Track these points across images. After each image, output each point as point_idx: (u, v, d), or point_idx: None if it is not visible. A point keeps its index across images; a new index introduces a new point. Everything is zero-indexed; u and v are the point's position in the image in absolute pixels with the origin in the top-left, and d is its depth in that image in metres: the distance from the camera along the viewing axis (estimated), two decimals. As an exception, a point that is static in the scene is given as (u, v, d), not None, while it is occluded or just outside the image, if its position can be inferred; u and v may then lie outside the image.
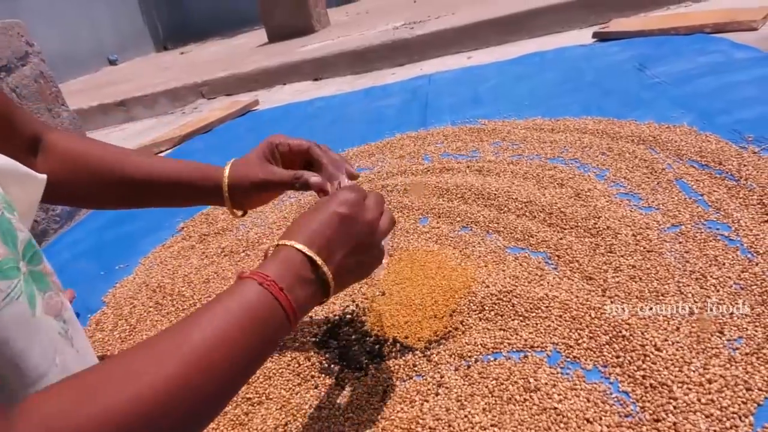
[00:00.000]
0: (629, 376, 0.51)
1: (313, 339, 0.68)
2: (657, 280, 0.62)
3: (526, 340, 0.59)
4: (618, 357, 0.53)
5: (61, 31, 5.18)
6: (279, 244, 0.43)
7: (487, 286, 0.67)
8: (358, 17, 4.28)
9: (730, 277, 0.60)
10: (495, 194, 0.90)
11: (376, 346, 0.63)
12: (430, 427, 0.51)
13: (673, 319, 0.56)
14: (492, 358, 0.58)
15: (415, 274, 0.74)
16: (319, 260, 0.42)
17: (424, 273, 0.74)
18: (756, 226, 0.67)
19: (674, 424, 0.45)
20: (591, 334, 0.57)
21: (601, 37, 1.88)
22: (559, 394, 0.51)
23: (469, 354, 0.59)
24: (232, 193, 0.60)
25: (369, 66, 2.55)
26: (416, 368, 0.59)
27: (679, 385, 0.48)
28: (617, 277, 0.65)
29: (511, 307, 0.63)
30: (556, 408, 0.49)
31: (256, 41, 4.12)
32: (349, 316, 0.70)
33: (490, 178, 0.98)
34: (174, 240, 1.10)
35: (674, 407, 0.46)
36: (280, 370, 0.64)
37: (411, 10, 3.66)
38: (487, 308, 0.64)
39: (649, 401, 0.48)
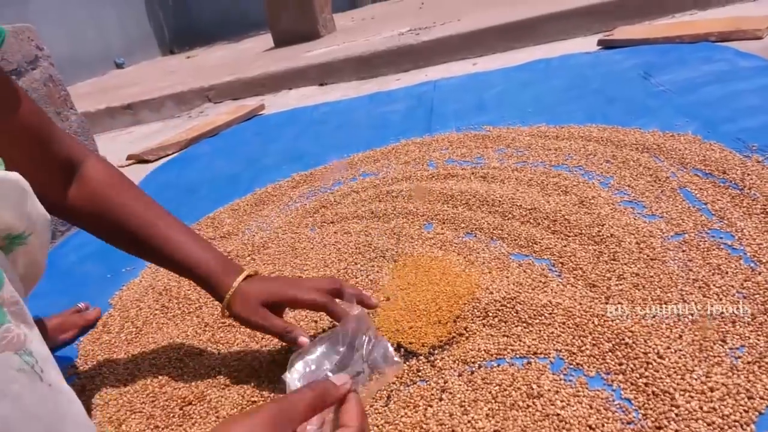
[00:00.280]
0: (632, 384, 0.51)
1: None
2: (660, 288, 0.63)
3: (529, 347, 0.59)
4: (621, 364, 0.54)
5: (68, 34, 5.21)
6: None
7: (491, 293, 0.68)
8: (364, 23, 4.30)
9: (732, 286, 0.60)
10: (499, 201, 0.91)
11: (381, 351, 0.64)
12: (433, 432, 0.52)
13: (676, 327, 0.57)
14: (495, 364, 0.58)
15: (419, 280, 0.75)
16: None
17: (428, 279, 0.74)
18: (759, 235, 0.67)
19: (676, 431, 0.45)
20: (594, 342, 0.57)
21: (606, 45, 1.89)
22: (561, 401, 0.51)
23: (473, 360, 0.59)
24: (228, 308, 0.63)
25: (374, 71, 2.56)
26: (420, 373, 0.60)
27: (681, 392, 0.48)
28: (621, 284, 0.65)
29: (514, 314, 0.64)
30: (558, 414, 0.50)
31: (263, 46, 4.15)
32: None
33: (494, 184, 0.99)
34: (180, 243, 1.11)
35: (676, 415, 0.47)
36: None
37: (416, 16, 3.68)
38: (490, 314, 0.65)
39: (651, 409, 0.48)
